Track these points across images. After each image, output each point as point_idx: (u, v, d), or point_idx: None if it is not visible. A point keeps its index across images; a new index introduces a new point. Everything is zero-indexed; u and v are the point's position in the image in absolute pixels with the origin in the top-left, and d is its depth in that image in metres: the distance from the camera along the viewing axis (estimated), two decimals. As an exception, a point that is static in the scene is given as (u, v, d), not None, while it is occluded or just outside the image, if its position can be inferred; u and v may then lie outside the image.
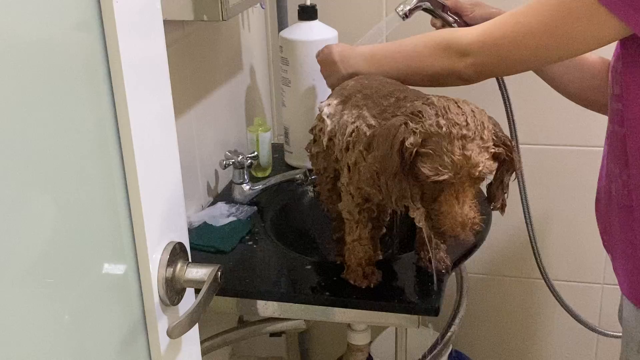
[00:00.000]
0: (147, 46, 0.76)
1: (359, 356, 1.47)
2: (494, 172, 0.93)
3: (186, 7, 1.13)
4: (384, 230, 1.14)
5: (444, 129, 0.88)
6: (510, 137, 0.97)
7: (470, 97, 0.99)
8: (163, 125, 0.80)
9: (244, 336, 1.39)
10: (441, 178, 0.89)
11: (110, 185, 0.73)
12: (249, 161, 1.43)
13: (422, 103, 0.94)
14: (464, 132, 0.88)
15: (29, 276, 0.61)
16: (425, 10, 1.27)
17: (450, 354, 1.57)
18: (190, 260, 0.85)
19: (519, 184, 1.39)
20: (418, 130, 0.90)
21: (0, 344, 0.57)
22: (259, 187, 1.45)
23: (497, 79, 1.33)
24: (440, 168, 0.89)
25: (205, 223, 1.34)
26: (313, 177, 1.42)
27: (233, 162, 1.42)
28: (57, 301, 0.66)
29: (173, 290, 0.81)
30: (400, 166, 0.91)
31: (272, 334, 1.67)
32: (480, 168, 0.89)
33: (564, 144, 1.66)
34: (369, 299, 1.09)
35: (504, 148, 0.92)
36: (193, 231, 1.30)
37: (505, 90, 1.34)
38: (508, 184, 0.97)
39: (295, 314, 1.17)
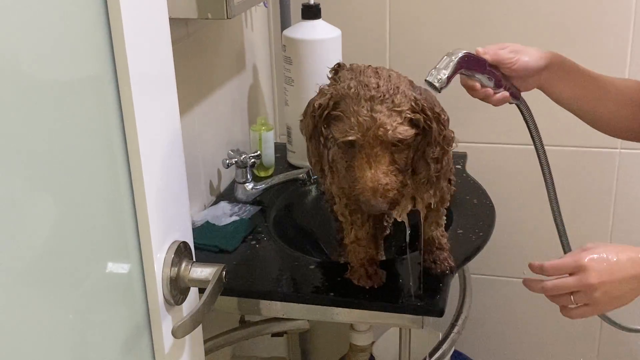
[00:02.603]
0: (153, 44, 0.76)
1: (362, 357, 1.47)
2: (408, 138, 0.89)
3: (190, 5, 1.13)
4: (388, 231, 1.13)
5: (352, 90, 0.88)
6: (437, 109, 0.92)
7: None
8: (168, 125, 0.80)
9: (246, 336, 1.39)
10: (348, 138, 0.88)
11: (115, 184, 0.72)
12: (252, 160, 1.42)
13: (345, 69, 0.93)
14: (373, 93, 0.87)
15: (34, 275, 0.60)
16: (463, 73, 1.04)
17: (452, 355, 1.57)
18: (194, 259, 0.85)
19: (546, 185, 1.20)
20: (329, 93, 0.90)
21: (5, 342, 0.57)
22: (261, 186, 1.44)
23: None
24: (347, 129, 0.88)
25: (207, 222, 1.33)
26: (315, 176, 1.42)
27: (236, 162, 1.41)
28: (62, 300, 0.65)
29: (177, 290, 0.81)
30: (314, 129, 0.92)
31: (274, 334, 1.66)
32: (388, 130, 0.86)
33: (577, 146, 1.66)
34: (373, 300, 1.08)
35: (423, 116, 0.89)
36: (196, 230, 1.29)
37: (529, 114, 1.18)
38: (435, 158, 0.91)
39: (298, 314, 1.16)
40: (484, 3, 1.61)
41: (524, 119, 1.15)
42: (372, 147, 0.87)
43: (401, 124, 0.87)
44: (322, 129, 0.93)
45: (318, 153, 0.95)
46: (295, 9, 1.60)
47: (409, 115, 0.88)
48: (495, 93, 1.06)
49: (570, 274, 0.89)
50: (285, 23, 1.64)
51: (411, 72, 1.05)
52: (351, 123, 0.87)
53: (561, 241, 1.22)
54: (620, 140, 1.62)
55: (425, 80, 0.98)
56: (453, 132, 0.93)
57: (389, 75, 0.89)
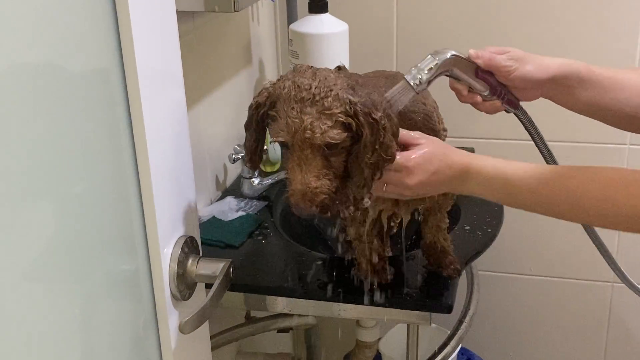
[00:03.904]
0: (160, 38, 0.75)
1: (368, 353, 1.46)
2: (339, 142, 0.85)
3: (197, -2, 1.12)
4: (395, 229, 1.12)
5: (285, 90, 0.86)
6: (377, 115, 0.86)
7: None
8: (176, 119, 0.79)
9: (252, 332, 1.38)
10: (278, 140, 0.86)
11: (122, 179, 0.72)
12: (258, 155, 1.41)
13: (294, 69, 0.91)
14: (303, 94, 0.84)
15: (40, 270, 0.60)
16: (449, 76, 0.97)
17: (458, 351, 1.56)
18: (201, 255, 0.84)
19: None
20: (267, 91, 0.89)
21: (13, 337, 0.57)
22: (268, 181, 1.44)
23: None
24: (279, 130, 0.86)
25: (214, 217, 1.33)
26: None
27: (242, 156, 1.40)
28: (69, 296, 0.65)
29: (184, 285, 0.80)
30: (249, 124, 0.91)
31: (279, 330, 1.66)
32: (316, 133, 0.84)
33: (587, 142, 1.65)
34: (379, 296, 1.08)
35: (354, 120, 0.86)
36: (202, 226, 1.29)
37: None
38: (372, 164, 0.87)
39: (305, 310, 1.16)
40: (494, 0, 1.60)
41: (525, 128, 1.08)
42: (302, 150, 0.85)
43: (332, 127, 0.84)
44: (260, 125, 0.91)
45: (250, 146, 0.94)
46: (302, 3, 1.59)
47: (340, 119, 0.85)
48: (485, 100, 0.99)
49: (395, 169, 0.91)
50: (291, 17, 1.63)
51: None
52: (281, 124, 0.86)
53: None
54: (629, 135, 1.61)
55: (404, 78, 0.93)
56: (394, 141, 0.89)
57: (326, 77, 0.87)
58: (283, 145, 0.88)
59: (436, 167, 0.91)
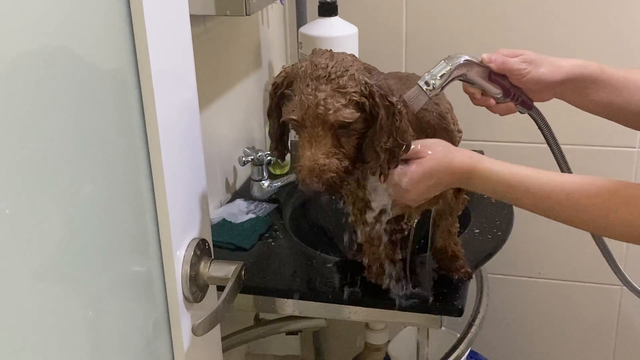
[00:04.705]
0: (173, 41, 0.75)
1: (377, 355, 1.46)
2: (352, 121, 0.86)
3: (209, 2, 1.12)
4: (406, 232, 1.12)
5: (302, 69, 0.87)
6: (392, 98, 0.86)
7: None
8: (188, 122, 0.80)
9: (262, 334, 1.38)
10: (291, 116, 0.87)
11: (136, 181, 0.72)
12: (268, 158, 1.42)
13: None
14: (319, 72, 0.85)
15: (53, 272, 0.60)
16: (463, 80, 0.98)
17: (467, 355, 1.56)
18: (213, 257, 0.85)
19: None
20: (285, 71, 0.90)
21: (25, 338, 0.57)
22: (277, 184, 1.44)
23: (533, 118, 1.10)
24: (292, 108, 0.87)
25: (224, 220, 1.33)
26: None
27: (252, 159, 1.41)
28: (82, 297, 0.65)
29: (196, 287, 0.81)
30: (270, 108, 0.92)
31: (288, 332, 1.66)
32: (329, 110, 0.84)
33: (595, 145, 1.65)
34: (391, 298, 1.08)
35: (370, 101, 0.86)
36: (212, 228, 1.28)
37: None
38: (387, 149, 0.87)
39: (314, 313, 1.16)
40: (503, 0, 1.60)
41: (539, 128, 1.09)
42: (313, 127, 0.86)
43: (345, 105, 0.85)
44: (280, 109, 0.91)
45: (274, 133, 0.94)
46: (311, 6, 1.59)
47: (354, 98, 0.85)
48: (498, 102, 1.00)
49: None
50: (301, 20, 1.64)
51: (428, 68, 1.03)
52: (295, 102, 0.86)
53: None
54: (639, 139, 1.61)
55: (417, 83, 0.94)
56: (409, 127, 0.89)
57: (343, 59, 0.88)
58: (295, 125, 0.88)
59: (436, 180, 0.92)
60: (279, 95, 0.90)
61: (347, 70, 0.86)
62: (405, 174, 0.90)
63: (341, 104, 0.85)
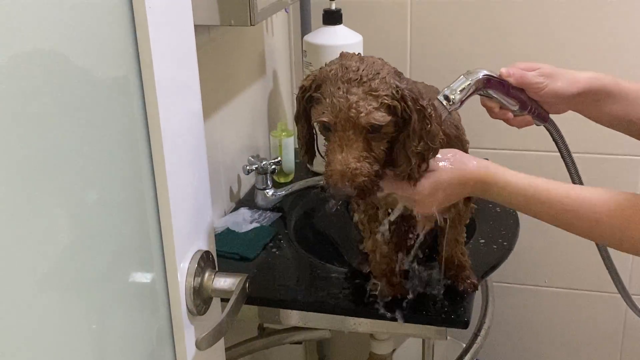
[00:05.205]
0: (178, 50, 0.75)
1: (382, 365, 1.45)
2: (383, 124, 0.85)
3: (213, 12, 1.12)
4: (412, 241, 1.12)
5: (332, 72, 0.86)
6: (423, 102, 0.86)
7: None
8: (193, 132, 0.79)
9: (267, 345, 1.38)
10: (321, 119, 0.86)
11: (139, 192, 0.72)
12: (273, 167, 1.41)
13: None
14: (350, 75, 0.85)
15: (56, 283, 0.60)
16: (482, 94, 0.99)
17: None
18: (217, 269, 0.84)
19: None
20: (313, 75, 0.89)
21: (27, 350, 0.56)
22: (281, 192, 1.43)
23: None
24: (322, 110, 0.86)
25: (228, 229, 1.32)
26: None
27: (256, 168, 1.40)
28: (85, 309, 0.65)
29: (200, 300, 0.80)
30: (298, 112, 0.91)
31: (292, 342, 1.65)
32: (361, 112, 0.83)
33: (601, 153, 1.64)
34: (396, 310, 1.07)
35: (403, 104, 0.85)
36: (216, 237, 1.28)
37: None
38: (418, 152, 0.87)
39: (319, 324, 1.15)
40: (506, 10, 1.59)
41: (554, 140, 1.09)
42: (344, 130, 0.85)
43: (377, 109, 0.84)
44: (308, 112, 0.91)
45: (303, 137, 0.94)
46: (315, 15, 1.59)
47: (386, 101, 0.85)
48: (515, 115, 1.01)
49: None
50: (305, 29, 1.64)
51: (432, 78, 1.03)
52: (326, 104, 0.85)
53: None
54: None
55: (437, 99, 0.95)
56: (440, 131, 0.89)
57: (374, 62, 0.87)
58: (324, 127, 0.87)
59: (450, 191, 0.91)
60: (307, 98, 0.90)
61: (378, 74, 0.85)
62: (418, 186, 0.90)
63: (373, 106, 0.84)
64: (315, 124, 0.92)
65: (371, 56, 0.90)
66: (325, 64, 0.90)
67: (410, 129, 0.86)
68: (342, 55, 0.90)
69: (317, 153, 0.97)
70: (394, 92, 0.85)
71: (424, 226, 1.05)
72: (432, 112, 0.87)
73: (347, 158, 0.85)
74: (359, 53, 0.90)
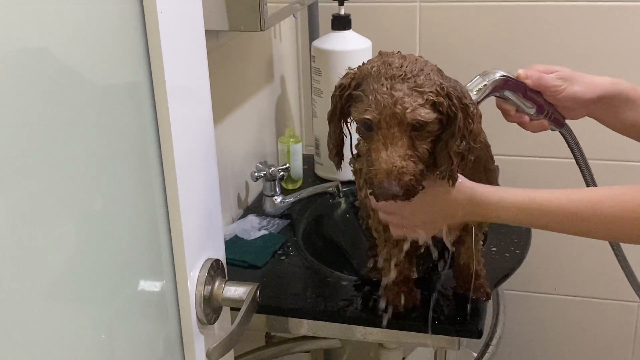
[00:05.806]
0: (189, 57, 0.74)
1: (391, 375, 1.43)
2: (428, 122, 0.83)
3: (222, 17, 1.11)
4: (422, 249, 1.10)
5: (374, 69, 0.84)
6: (467, 100, 0.85)
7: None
8: (203, 139, 0.78)
9: (276, 354, 1.36)
10: (364, 117, 0.83)
11: (150, 200, 0.70)
12: (281, 173, 1.40)
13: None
14: (394, 72, 0.83)
15: (65, 291, 0.59)
16: (498, 96, 0.97)
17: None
18: (227, 277, 0.83)
19: None
20: (352, 73, 0.87)
21: (36, 357, 0.56)
22: (290, 199, 1.42)
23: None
24: (365, 108, 0.84)
25: (236, 236, 1.31)
26: (344, 189, 1.40)
27: (264, 174, 1.39)
28: (94, 318, 0.64)
29: (210, 309, 0.79)
30: (334, 111, 0.89)
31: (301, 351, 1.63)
32: (407, 109, 0.81)
33: (612, 159, 1.62)
34: (407, 319, 1.05)
35: (448, 101, 0.84)
36: (224, 245, 1.27)
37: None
38: (460, 152, 0.85)
39: (329, 333, 1.13)
40: (515, 15, 1.58)
41: (569, 146, 1.07)
42: (389, 127, 0.83)
43: (422, 105, 0.82)
44: (345, 112, 0.89)
45: (336, 137, 0.91)
46: (324, 20, 1.58)
47: (431, 98, 0.83)
48: (531, 120, 0.99)
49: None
50: (313, 34, 1.63)
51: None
52: (369, 101, 0.83)
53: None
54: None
55: None
56: (481, 129, 0.88)
57: (416, 59, 0.86)
58: (365, 126, 0.85)
59: (436, 208, 0.91)
60: (346, 96, 0.88)
61: (422, 70, 0.84)
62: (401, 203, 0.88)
63: (418, 103, 0.82)
64: (350, 124, 0.90)
65: (412, 54, 0.88)
66: (364, 63, 0.88)
67: (454, 127, 0.84)
68: (382, 52, 0.88)
69: (350, 154, 0.95)
70: (439, 89, 0.83)
71: (453, 233, 1.03)
72: (475, 110, 0.86)
73: (392, 156, 0.83)
74: (399, 51, 0.88)
